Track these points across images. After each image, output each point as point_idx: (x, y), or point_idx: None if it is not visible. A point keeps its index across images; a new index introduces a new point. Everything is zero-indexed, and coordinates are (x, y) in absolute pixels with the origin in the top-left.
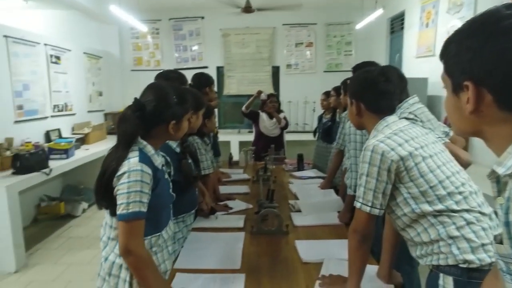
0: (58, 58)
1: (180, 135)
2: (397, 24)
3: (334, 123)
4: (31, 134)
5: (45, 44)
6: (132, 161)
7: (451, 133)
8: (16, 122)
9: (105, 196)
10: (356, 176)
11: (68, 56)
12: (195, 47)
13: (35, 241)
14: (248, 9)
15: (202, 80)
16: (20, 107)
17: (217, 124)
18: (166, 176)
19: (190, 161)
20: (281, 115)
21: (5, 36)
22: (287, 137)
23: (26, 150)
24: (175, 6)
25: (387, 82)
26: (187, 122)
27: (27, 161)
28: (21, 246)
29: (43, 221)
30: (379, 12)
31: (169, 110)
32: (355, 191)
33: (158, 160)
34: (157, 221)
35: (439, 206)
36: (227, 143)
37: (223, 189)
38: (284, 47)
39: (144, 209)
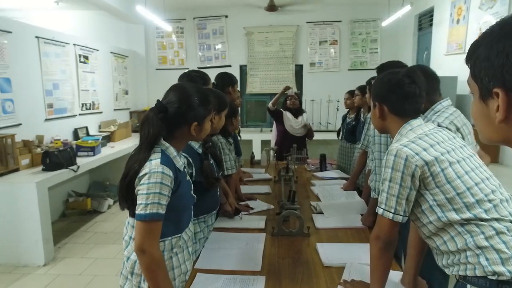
0: (86, 57)
1: (202, 136)
2: (425, 20)
3: (358, 123)
4: (60, 132)
5: (74, 44)
6: (154, 163)
7: (478, 147)
8: (47, 120)
9: (126, 197)
10: (380, 179)
11: (96, 55)
12: (218, 46)
13: (63, 236)
14: (271, 7)
15: (225, 79)
16: (50, 106)
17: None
18: (188, 177)
19: (212, 162)
20: (304, 116)
21: (37, 37)
22: None
23: (55, 147)
24: (200, 5)
25: (413, 84)
26: (209, 123)
27: (56, 158)
28: (50, 240)
29: (70, 216)
30: (407, 8)
31: (191, 111)
32: (379, 194)
33: (180, 161)
34: (178, 222)
35: (467, 215)
36: (249, 142)
37: (245, 189)
38: (308, 45)
39: (162, 211)
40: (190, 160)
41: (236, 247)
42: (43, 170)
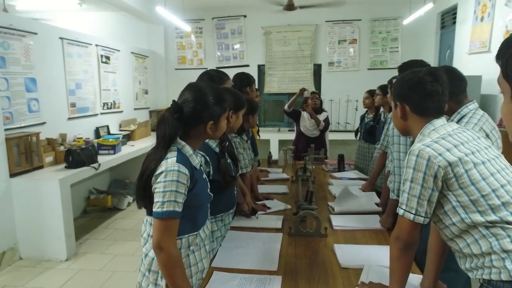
0: (108, 58)
1: (218, 134)
2: (448, 18)
3: (378, 123)
4: (82, 130)
5: (97, 45)
6: (170, 161)
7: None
8: (70, 119)
9: (144, 195)
10: (400, 180)
11: (117, 56)
12: (237, 46)
13: (85, 232)
14: (290, 6)
15: (243, 79)
16: (73, 105)
17: (257, 122)
18: (204, 176)
19: (229, 160)
20: (323, 115)
21: (61, 38)
22: (329, 136)
23: (77, 145)
24: (218, 5)
25: (435, 82)
26: (225, 121)
27: (78, 156)
28: (72, 236)
29: (91, 213)
30: (429, 6)
31: (206, 110)
32: (398, 196)
33: (196, 160)
34: (194, 220)
35: (492, 217)
36: (267, 142)
37: (262, 188)
38: (327, 44)
39: (178, 208)
40: (208, 158)
41: (253, 246)
42: (66, 167)
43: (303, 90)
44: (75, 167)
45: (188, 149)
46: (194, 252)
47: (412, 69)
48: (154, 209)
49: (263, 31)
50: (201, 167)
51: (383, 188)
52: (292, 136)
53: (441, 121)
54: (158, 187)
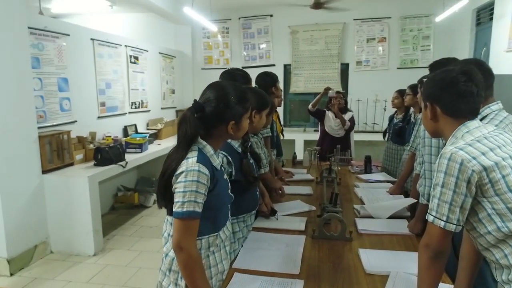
0: (136, 58)
1: (240, 135)
2: (484, 15)
3: (407, 124)
4: (111, 129)
5: (126, 46)
6: (190, 161)
7: None
8: (99, 117)
9: (164, 195)
10: (430, 184)
11: (145, 56)
12: (263, 45)
13: (112, 228)
14: (317, 5)
15: (266, 80)
16: (103, 104)
17: (282, 122)
18: (225, 176)
19: (251, 161)
20: (348, 115)
21: (92, 39)
22: (355, 137)
23: (106, 143)
24: (245, 5)
25: (469, 82)
26: (247, 121)
27: (107, 154)
28: (100, 231)
29: (119, 209)
30: (464, 2)
31: (228, 110)
32: (428, 200)
33: (217, 160)
34: (214, 221)
35: None
36: (292, 142)
37: (286, 190)
38: (355, 43)
39: (198, 209)
40: (230, 158)
41: (275, 248)
42: (95, 165)
43: (327, 89)
44: (104, 164)
45: (209, 149)
46: (214, 253)
47: (444, 68)
48: (174, 209)
49: (289, 30)
50: (222, 168)
51: (411, 191)
52: (317, 136)
53: (475, 123)
54: (179, 187)
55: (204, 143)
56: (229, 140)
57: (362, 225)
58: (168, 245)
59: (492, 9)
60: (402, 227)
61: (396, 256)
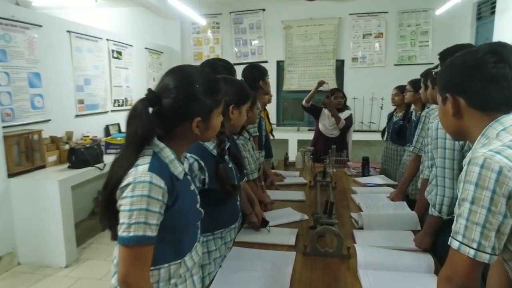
0: (119, 53)
1: (209, 135)
2: (485, 8)
3: (408, 122)
4: (91, 128)
5: (108, 40)
6: (140, 170)
7: None
8: (77, 116)
9: (107, 213)
10: (443, 193)
11: (130, 51)
12: (255, 41)
13: (90, 235)
14: None
15: (254, 72)
16: (81, 102)
17: (275, 121)
18: (193, 187)
19: (231, 165)
20: (345, 113)
21: (69, 32)
22: (352, 136)
23: (83, 144)
24: None
25: (501, 63)
26: (219, 118)
27: (82, 155)
28: (73, 241)
29: (99, 214)
30: None
31: (193, 103)
32: (440, 212)
33: (180, 167)
34: (178, 244)
35: None
36: (285, 142)
37: (276, 195)
38: (350, 38)
39: (151, 232)
40: (203, 164)
41: (260, 268)
42: (69, 167)
43: (321, 83)
44: (79, 167)
45: (168, 153)
46: (177, 286)
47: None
48: (119, 233)
49: (283, 25)
50: (188, 176)
51: (418, 200)
52: (312, 136)
53: None
54: (124, 204)
55: (162, 145)
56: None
57: (362, 238)
58: (116, 277)
59: (494, 2)
60: (407, 240)
61: (403, 277)
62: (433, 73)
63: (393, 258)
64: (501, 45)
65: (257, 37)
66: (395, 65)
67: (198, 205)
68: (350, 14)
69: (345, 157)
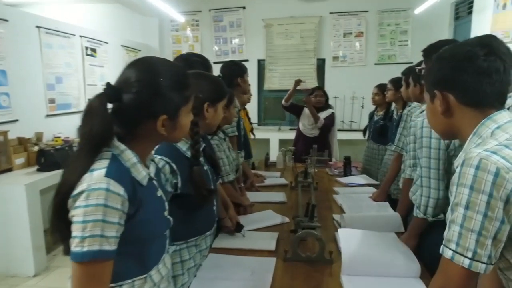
0: (94, 50)
1: (177, 135)
2: (463, 8)
3: (389, 121)
4: (63, 129)
5: (81, 36)
6: (96, 175)
7: None
8: (48, 116)
9: (58, 224)
10: (428, 194)
11: (105, 48)
12: (235, 39)
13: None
14: None
15: (233, 69)
16: (52, 101)
17: (256, 120)
18: (160, 193)
19: (206, 168)
20: (326, 112)
21: (38, 27)
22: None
23: (54, 145)
24: None
25: (492, 55)
26: (188, 116)
27: (52, 157)
28: (42, 248)
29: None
30: None
31: (157, 99)
32: (425, 213)
33: (143, 172)
34: (142, 257)
35: None
36: (266, 141)
37: (256, 196)
38: (331, 37)
39: (109, 246)
40: (175, 166)
41: (238, 277)
42: (38, 170)
43: (298, 81)
44: (49, 169)
45: (129, 156)
46: None
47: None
48: (71, 248)
49: (263, 23)
50: (154, 181)
51: (400, 200)
52: (294, 135)
53: (506, 115)
54: (77, 215)
55: (123, 147)
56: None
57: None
58: None
59: (471, 2)
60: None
61: (389, 283)
62: (417, 70)
63: (377, 261)
64: (490, 37)
65: (237, 35)
66: (375, 64)
67: (166, 213)
68: (330, 13)
69: (326, 157)
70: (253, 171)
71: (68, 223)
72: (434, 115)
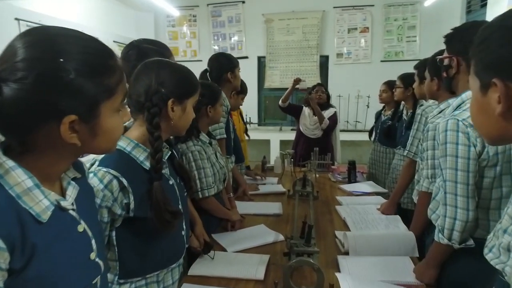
0: None
1: (101, 145)
2: (475, 1)
3: (398, 122)
4: None
5: None
6: None
7: None
8: None
9: None
10: (456, 215)
11: None
12: (234, 36)
13: None
14: None
15: (222, 62)
16: None
17: (256, 121)
18: (82, 228)
19: (171, 182)
20: (329, 111)
21: (17, 19)
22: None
23: None
24: None
25: None
26: (115, 118)
27: None
28: None
29: None
30: None
31: (58, 89)
32: (450, 239)
33: (45, 200)
34: None
35: None
36: (267, 142)
37: (250, 207)
38: (335, 33)
39: None
40: (125, 183)
41: None
42: None
43: (297, 80)
44: None
45: (18, 179)
46: None
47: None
48: None
49: (263, 18)
50: (72, 211)
51: (415, 216)
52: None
53: None
54: None
55: (10, 164)
56: (129, 148)
57: (348, 266)
58: None
59: None
60: (405, 271)
61: None
62: (437, 59)
63: None
64: None
65: (236, 31)
66: (381, 61)
67: (93, 255)
68: (334, 7)
69: (328, 161)
70: (251, 171)
71: None
72: (485, 112)
